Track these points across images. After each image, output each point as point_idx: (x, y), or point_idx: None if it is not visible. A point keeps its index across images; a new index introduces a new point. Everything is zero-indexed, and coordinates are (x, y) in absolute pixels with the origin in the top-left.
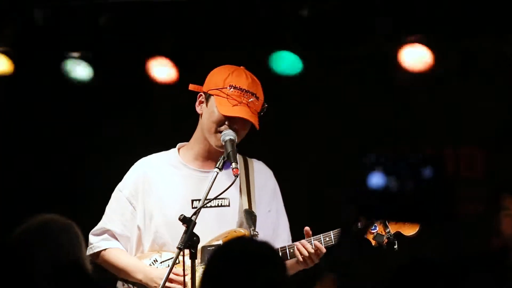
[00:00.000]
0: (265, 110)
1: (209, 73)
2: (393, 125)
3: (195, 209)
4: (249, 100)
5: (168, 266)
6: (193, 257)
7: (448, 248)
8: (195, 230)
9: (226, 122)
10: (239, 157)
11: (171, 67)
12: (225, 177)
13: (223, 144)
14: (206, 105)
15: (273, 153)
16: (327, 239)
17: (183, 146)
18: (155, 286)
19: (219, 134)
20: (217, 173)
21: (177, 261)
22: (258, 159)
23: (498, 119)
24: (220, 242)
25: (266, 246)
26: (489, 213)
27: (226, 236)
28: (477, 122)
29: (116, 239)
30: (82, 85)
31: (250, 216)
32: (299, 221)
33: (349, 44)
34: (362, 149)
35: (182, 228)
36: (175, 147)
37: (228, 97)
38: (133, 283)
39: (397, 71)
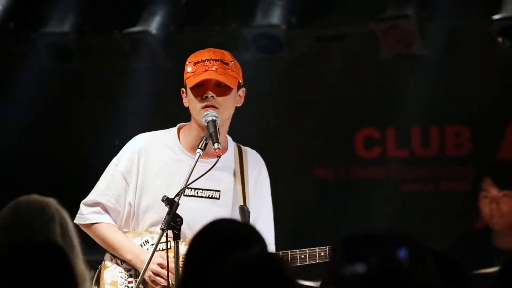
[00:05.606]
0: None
1: None
2: (378, 103)
3: (187, 196)
4: (216, 66)
5: (162, 249)
6: (176, 237)
7: None
8: (184, 221)
9: (204, 96)
10: (234, 146)
11: None
12: (220, 165)
13: (206, 125)
14: (187, 95)
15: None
16: (322, 254)
17: (182, 127)
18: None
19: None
20: (200, 154)
21: (168, 247)
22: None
23: (482, 97)
24: None
25: (248, 227)
26: (474, 194)
27: None
28: (462, 101)
29: (107, 212)
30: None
31: (244, 213)
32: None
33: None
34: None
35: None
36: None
37: (193, 73)
38: (122, 260)
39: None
